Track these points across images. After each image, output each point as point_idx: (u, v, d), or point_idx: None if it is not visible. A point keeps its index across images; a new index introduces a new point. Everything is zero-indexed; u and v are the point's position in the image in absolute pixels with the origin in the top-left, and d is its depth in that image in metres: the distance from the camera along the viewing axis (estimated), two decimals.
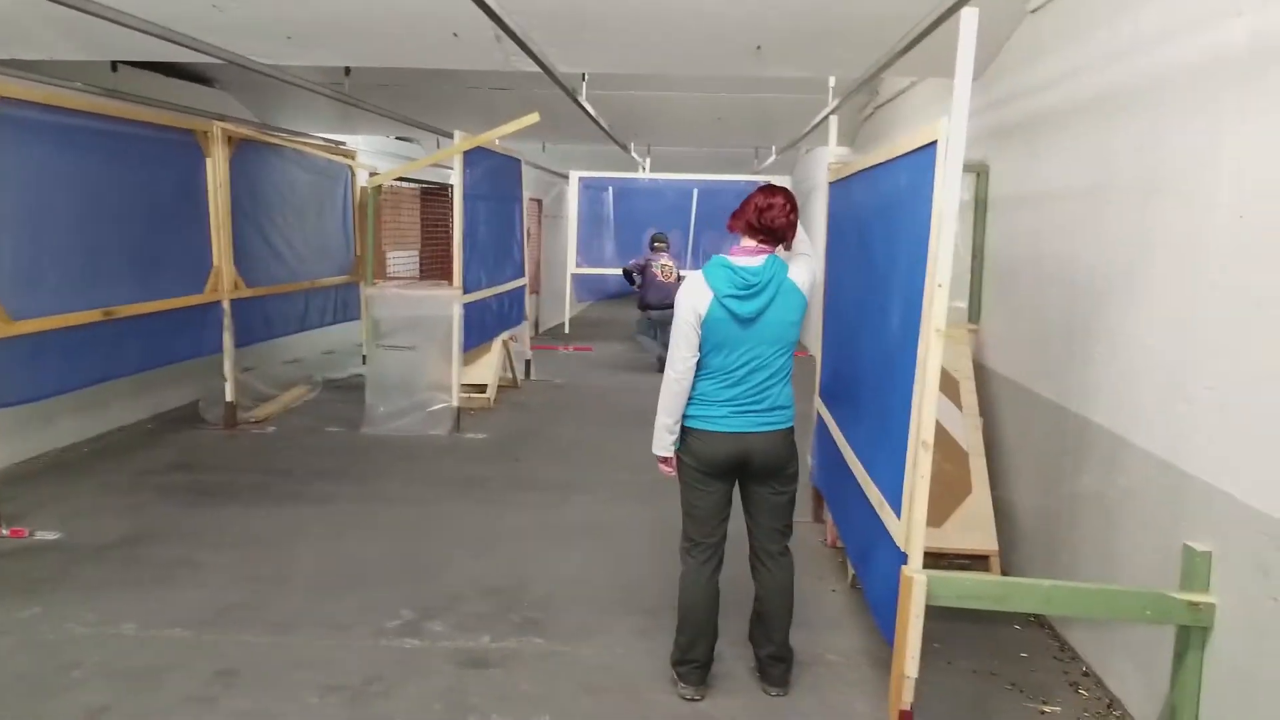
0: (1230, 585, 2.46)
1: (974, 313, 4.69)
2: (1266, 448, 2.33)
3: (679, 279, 10.04)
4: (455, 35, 4.96)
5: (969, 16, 2.30)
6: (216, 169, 6.53)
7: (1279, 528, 2.25)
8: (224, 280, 6.63)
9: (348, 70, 6.55)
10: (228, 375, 6.78)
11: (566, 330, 11.41)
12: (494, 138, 7.18)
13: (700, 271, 2.98)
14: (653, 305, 9.95)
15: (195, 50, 4.67)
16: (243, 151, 6.93)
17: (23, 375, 4.82)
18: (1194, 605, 2.51)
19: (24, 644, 3.40)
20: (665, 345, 10.52)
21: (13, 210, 4.78)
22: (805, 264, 3.05)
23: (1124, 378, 3.12)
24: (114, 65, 6.10)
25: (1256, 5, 2.46)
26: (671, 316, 9.26)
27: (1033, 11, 4.09)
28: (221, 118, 6.74)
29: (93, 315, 5.34)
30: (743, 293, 2.88)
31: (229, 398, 6.83)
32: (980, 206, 4.61)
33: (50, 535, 4.52)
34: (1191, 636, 2.55)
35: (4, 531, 4.51)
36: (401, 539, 4.63)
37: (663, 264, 10.03)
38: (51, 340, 5.01)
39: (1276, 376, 2.30)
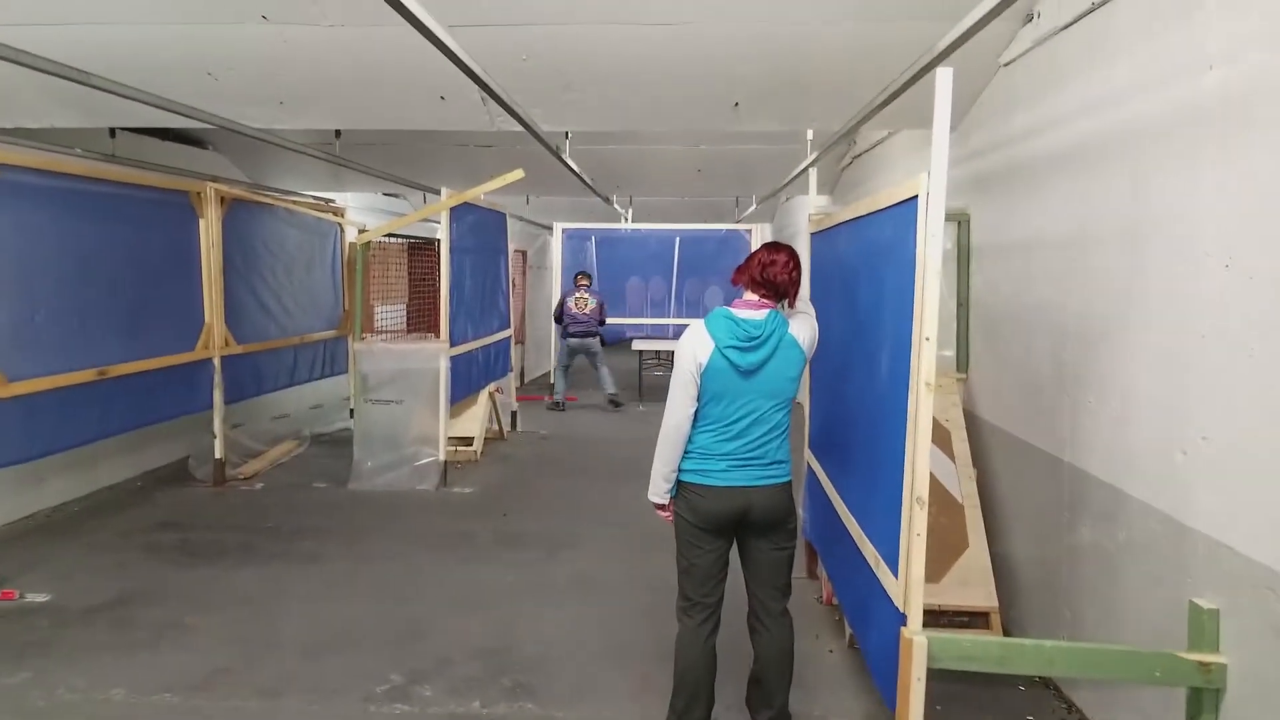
0: (1241, 645, 2.39)
1: (962, 361, 4.67)
2: (1268, 500, 2.31)
3: (597, 308, 10.71)
4: (442, 99, 5.12)
5: (944, 76, 2.35)
6: (209, 229, 6.64)
7: None
8: (215, 337, 6.70)
9: (338, 132, 6.70)
10: (217, 432, 6.81)
11: (552, 380, 11.46)
12: (480, 193, 7.33)
13: (702, 321, 3.00)
14: (572, 334, 10.68)
15: (190, 118, 4.81)
16: (235, 211, 7.04)
17: (18, 436, 4.86)
18: (1204, 666, 2.44)
19: (14, 711, 3.41)
20: (600, 371, 10.96)
21: (12, 273, 4.87)
22: (806, 322, 3.07)
23: (1117, 427, 3.11)
24: (112, 131, 6.23)
25: (1226, 58, 2.52)
26: (590, 344, 9.60)
27: (1005, 65, 4.18)
28: (215, 179, 6.87)
29: (87, 375, 5.41)
30: (744, 344, 2.90)
31: (218, 454, 6.85)
32: (963, 254, 4.64)
33: (40, 597, 4.53)
34: (1204, 699, 2.47)
35: None
36: (389, 598, 4.64)
37: (577, 297, 10.74)
38: (46, 400, 5.06)
39: (1273, 425, 2.29)
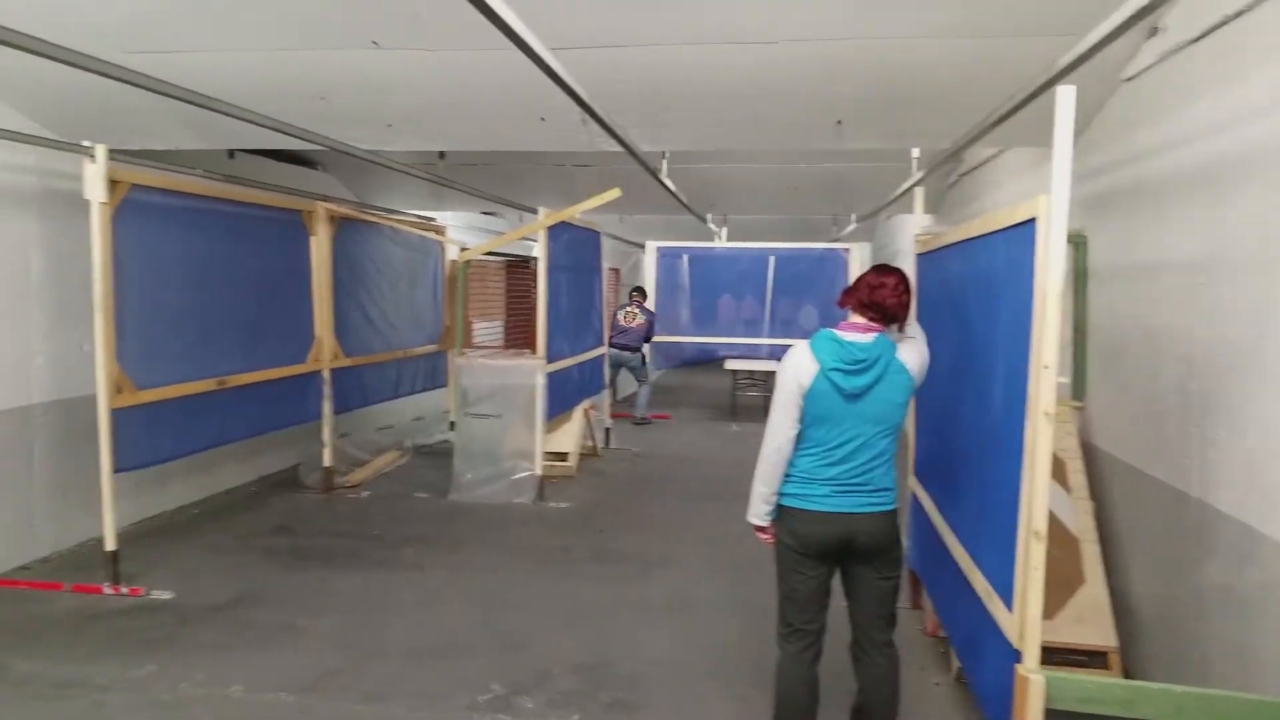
0: None
1: (1078, 389, 4.48)
2: None
3: (644, 324, 10.90)
4: (543, 120, 5.22)
5: (1065, 94, 2.25)
6: (320, 246, 6.92)
7: None
8: (325, 351, 6.97)
9: (442, 153, 6.91)
10: (326, 441, 7.07)
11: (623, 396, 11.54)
12: (576, 213, 7.43)
13: (806, 343, 2.93)
14: (613, 344, 10.75)
15: (303, 140, 5.03)
16: (343, 229, 7.33)
17: (145, 441, 5.13)
18: None
19: (142, 703, 3.59)
20: (639, 390, 11.31)
21: (140, 287, 5.15)
22: (915, 347, 2.99)
23: (1252, 462, 2.92)
24: (231, 152, 6.57)
25: None
26: (626, 358, 9.59)
27: (1127, 80, 4.01)
28: (325, 198, 7.15)
29: (208, 385, 5.69)
30: (850, 367, 2.83)
31: (326, 463, 7.12)
32: (1080, 277, 4.45)
33: (164, 595, 4.77)
34: None
35: (124, 590, 4.78)
36: (488, 609, 4.72)
37: (626, 310, 11.02)
38: (171, 408, 5.34)
39: None
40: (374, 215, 7.98)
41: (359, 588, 4.98)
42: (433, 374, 9.10)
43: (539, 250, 7.28)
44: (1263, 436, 2.87)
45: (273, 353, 6.44)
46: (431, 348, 9.04)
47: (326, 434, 7.06)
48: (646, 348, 11.19)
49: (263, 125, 4.62)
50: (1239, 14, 3.06)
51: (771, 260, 11.76)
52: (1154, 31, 3.70)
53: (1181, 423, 3.42)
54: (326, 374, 6.99)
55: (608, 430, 9.57)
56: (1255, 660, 2.90)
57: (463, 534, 6.11)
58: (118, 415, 4.86)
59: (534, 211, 7.43)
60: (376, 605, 4.73)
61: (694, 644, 4.31)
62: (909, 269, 4.49)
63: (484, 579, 5.19)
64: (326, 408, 7.01)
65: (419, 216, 9.34)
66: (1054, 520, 3.89)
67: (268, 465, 7.54)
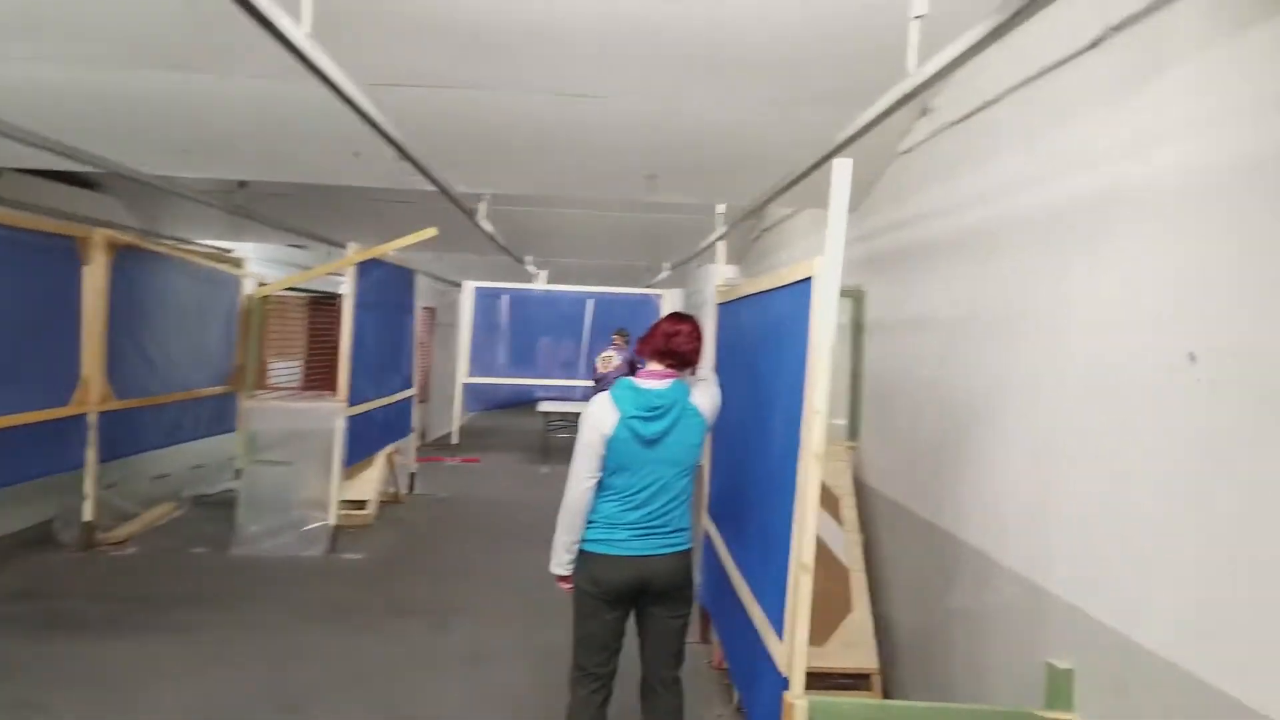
0: (1092, 703, 2.54)
1: (853, 430, 4.85)
2: (1118, 569, 2.46)
3: (617, 368, 10.30)
4: (356, 155, 5.01)
5: (841, 166, 2.45)
6: (94, 276, 6.26)
7: (1132, 646, 2.35)
8: (93, 391, 6.28)
9: (242, 183, 6.48)
10: (88, 492, 6.35)
11: (454, 441, 11.19)
12: (389, 250, 7.18)
13: (608, 393, 3.05)
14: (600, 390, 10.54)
15: (86, 163, 4.60)
16: (124, 259, 6.67)
17: None
18: None
19: None
20: None
21: None
22: (707, 389, 3.17)
23: (991, 499, 3.26)
24: None
25: (1109, 159, 2.64)
26: None
27: (903, 153, 4.38)
28: (106, 223, 6.51)
29: None
30: (647, 414, 2.97)
31: (87, 517, 6.39)
32: (858, 329, 4.84)
33: None
34: None
35: None
36: (268, 671, 4.39)
37: (603, 355, 10.69)
38: None
39: (1126, 503, 2.44)
40: (160, 245, 7.36)
41: (119, 656, 4.48)
42: (220, 417, 8.38)
43: (346, 287, 6.95)
44: (1000, 475, 3.22)
45: (26, 394, 5.68)
46: (219, 389, 8.36)
47: (89, 484, 6.34)
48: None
49: (34, 144, 4.15)
50: (992, 102, 3.40)
51: (590, 304, 11.83)
52: (924, 111, 4.03)
53: (937, 463, 3.77)
54: (93, 417, 6.27)
55: (412, 475, 9.24)
56: (987, 674, 3.25)
57: (243, 591, 5.66)
58: None
59: (343, 246, 7.10)
60: (139, 675, 4.27)
61: (488, 695, 4.25)
62: (713, 316, 4.68)
63: (264, 639, 4.82)
64: (90, 455, 6.28)
65: (215, 248, 8.70)
66: (827, 552, 4.26)
67: (14, 521, 6.60)
